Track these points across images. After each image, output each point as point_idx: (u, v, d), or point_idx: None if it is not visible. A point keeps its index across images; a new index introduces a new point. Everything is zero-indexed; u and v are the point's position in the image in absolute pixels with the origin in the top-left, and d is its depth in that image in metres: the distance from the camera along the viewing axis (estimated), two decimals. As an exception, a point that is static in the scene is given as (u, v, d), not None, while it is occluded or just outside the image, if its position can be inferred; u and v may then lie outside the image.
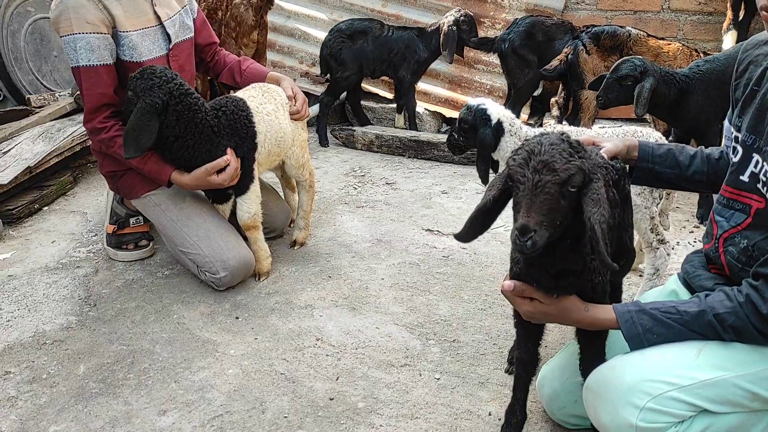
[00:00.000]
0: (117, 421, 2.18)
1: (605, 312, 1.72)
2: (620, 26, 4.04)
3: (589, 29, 4.08)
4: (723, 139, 2.07)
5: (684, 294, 1.98)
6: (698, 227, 3.60)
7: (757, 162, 1.79)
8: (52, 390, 2.33)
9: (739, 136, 1.86)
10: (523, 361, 1.95)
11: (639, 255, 2.97)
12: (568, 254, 1.60)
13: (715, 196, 1.96)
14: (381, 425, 2.14)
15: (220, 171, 2.75)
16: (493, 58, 4.95)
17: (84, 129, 3.96)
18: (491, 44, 4.44)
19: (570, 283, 1.67)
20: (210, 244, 2.85)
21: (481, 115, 2.45)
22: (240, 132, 2.78)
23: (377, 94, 5.29)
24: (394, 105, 5.07)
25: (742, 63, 1.92)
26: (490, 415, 2.18)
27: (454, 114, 5.03)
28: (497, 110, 2.46)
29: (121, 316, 2.76)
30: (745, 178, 1.83)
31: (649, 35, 4.02)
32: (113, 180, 3.03)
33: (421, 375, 2.39)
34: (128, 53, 2.77)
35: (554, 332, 2.62)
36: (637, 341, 1.69)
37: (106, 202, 3.36)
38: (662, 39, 4.03)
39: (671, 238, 3.31)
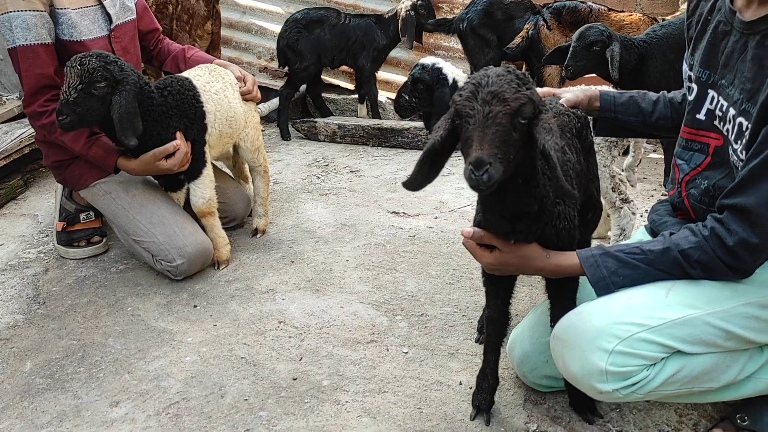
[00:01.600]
0: (65, 416, 2.04)
1: (568, 258, 1.64)
2: (581, 1, 4.01)
3: (550, 5, 4.04)
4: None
5: (652, 244, 1.91)
6: (666, 195, 3.56)
7: (713, 98, 1.73)
8: (-4, 389, 2.18)
9: (692, 74, 1.81)
10: (493, 320, 1.86)
11: (607, 221, 2.92)
12: (520, 195, 1.52)
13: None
14: (347, 401, 2.04)
15: (169, 156, 2.63)
16: (454, 43, 4.91)
17: (33, 131, 3.86)
18: (449, 25, 4.39)
19: (526, 227, 1.58)
20: (165, 231, 2.73)
21: (438, 74, 2.38)
22: (188, 113, 2.66)
23: (338, 86, 5.20)
24: (356, 95, 4.99)
25: (692, 0, 1.87)
26: (460, 384, 2.09)
27: (417, 102, 4.96)
28: (452, 69, 2.40)
29: (72, 312, 2.61)
30: (701, 116, 1.78)
31: (610, 9, 3.99)
32: (59, 171, 2.89)
33: (388, 350, 2.29)
34: (67, 32, 2.64)
35: (525, 300, 2.54)
36: (603, 285, 1.61)
37: (55, 200, 3.21)
38: (623, 12, 4.00)
39: (639, 206, 3.27)
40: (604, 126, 2.07)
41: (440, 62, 2.41)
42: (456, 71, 2.48)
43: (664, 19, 3.74)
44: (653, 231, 1.93)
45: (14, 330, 2.51)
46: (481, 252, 1.68)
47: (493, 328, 1.86)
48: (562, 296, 1.76)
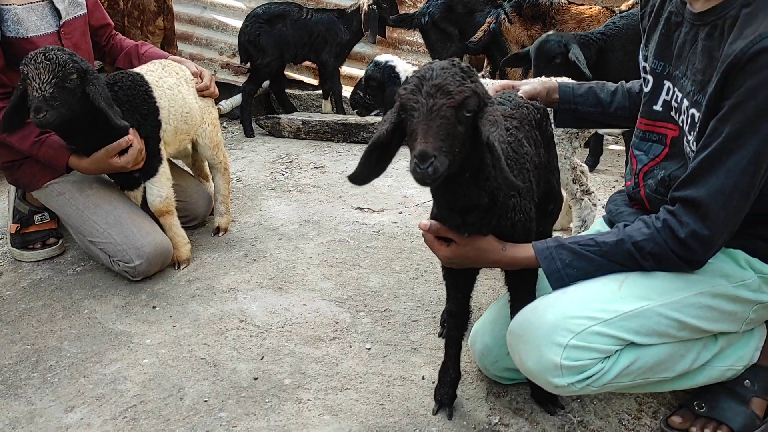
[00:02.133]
0: (18, 422, 1.98)
1: (524, 250, 1.64)
2: (542, -5, 4.03)
3: (512, -1, 4.06)
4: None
5: (609, 235, 1.92)
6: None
7: (669, 89, 1.74)
8: (-56, 397, 2.10)
9: (647, 65, 1.82)
10: (453, 314, 1.85)
11: (569, 213, 2.93)
12: (469, 188, 1.51)
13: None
14: (309, 399, 2.01)
15: (122, 153, 2.56)
16: (417, 38, 4.90)
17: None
18: (411, 20, 4.37)
19: (478, 219, 1.57)
20: (122, 231, 2.66)
21: (390, 72, 2.37)
22: (140, 108, 2.60)
23: (302, 82, 5.16)
24: (320, 91, 4.95)
25: None
26: (423, 379, 2.08)
27: (382, 97, 4.94)
28: (405, 67, 2.39)
29: (26, 316, 2.54)
30: (658, 107, 1.79)
31: (570, 2, 4.02)
32: (11, 172, 2.80)
33: (351, 347, 2.27)
34: (13, 29, 2.56)
35: (488, 294, 2.55)
36: (558, 277, 1.61)
37: (8, 201, 3.12)
38: (582, 5, 4.03)
39: (600, 197, 3.29)
40: (564, 118, 2.08)
41: (394, 60, 2.40)
42: (410, 69, 2.47)
43: (622, 11, 3.77)
44: (611, 221, 1.94)
45: (-35, 336, 2.43)
46: (438, 245, 1.66)
47: (454, 321, 1.86)
48: (520, 289, 1.76)
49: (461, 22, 4.27)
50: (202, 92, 2.95)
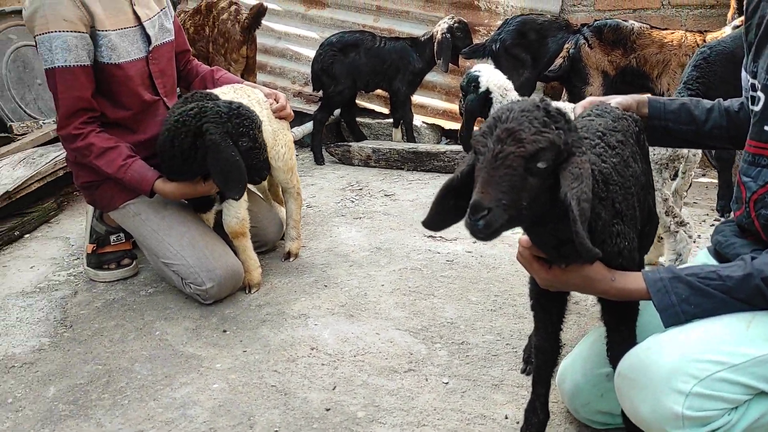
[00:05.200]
0: (87, 445, 1.94)
1: (634, 281, 1.48)
2: (623, 20, 3.89)
3: (591, 24, 3.93)
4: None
5: (717, 267, 1.74)
6: (719, 220, 3.37)
7: None
8: (17, 414, 2.09)
9: (756, 82, 1.65)
10: (542, 350, 1.70)
11: (657, 247, 2.74)
12: (557, 230, 1.35)
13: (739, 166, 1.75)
14: (383, 435, 1.89)
15: (205, 177, 2.56)
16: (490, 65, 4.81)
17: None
18: (483, 49, 4.29)
19: (572, 250, 1.42)
20: (195, 254, 2.64)
21: (473, 81, 2.29)
22: None
23: (373, 110, 5.13)
24: (391, 120, 4.91)
25: (751, 2, 1.73)
26: (506, 418, 1.93)
27: (453, 125, 4.86)
28: (490, 78, 2.29)
29: (99, 336, 2.53)
30: None
31: (652, 27, 3.86)
32: (90, 191, 2.83)
33: (427, 380, 2.15)
34: (107, 54, 2.60)
35: (573, 329, 2.38)
36: (672, 313, 1.44)
37: (86, 221, 3.16)
38: (665, 29, 3.87)
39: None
40: (653, 135, 1.92)
41: (482, 69, 2.32)
42: (496, 81, 2.36)
43: (706, 33, 3.59)
44: (718, 253, 1.76)
45: (39, 353, 2.43)
46: (538, 266, 1.51)
47: (543, 358, 1.71)
48: (620, 324, 1.59)
49: (533, 48, 4.16)
50: (278, 114, 2.93)
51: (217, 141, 2.41)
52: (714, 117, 1.86)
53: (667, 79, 3.74)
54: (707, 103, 1.89)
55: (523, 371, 2.14)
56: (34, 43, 4.58)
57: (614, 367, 1.58)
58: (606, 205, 1.43)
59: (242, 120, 2.47)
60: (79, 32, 2.54)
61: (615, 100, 1.77)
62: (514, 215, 1.22)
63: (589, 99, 1.87)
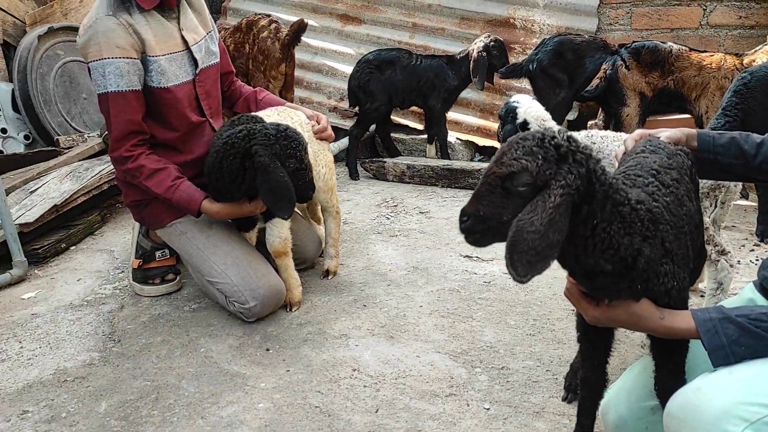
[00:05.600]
0: (139, 461, 2.00)
1: (683, 320, 1.49)
2: (662, 41, 3.88)
3: (629, 45, 3.93)
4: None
5: (763, 303, 1.75)
6: (759, 245, 3.35)
7: None
8: (71, 429, 2.16)
9: None
10: (588, 382, 1.72)
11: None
12: (577, 258, 1.39)
13: None
14: (427, 460, 1.93)
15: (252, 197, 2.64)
16: (525, 84, 4.83)
17: (112, 167, 3.96)
18: (520, 69, 4.31)
19: (609, 284, 1.44)
20: (239, 273, 2.71)
21: (510, 111, 2.33)
22: None
23: (407, 126, 5.18)
24: (425, 136, 4.95)
25: None
26: (549, 447, 1.95)
27: (487, 142, 4.89)
28: (528, 110, 2.33)
29: (146, 351, 2.61)
30: None
31: (691, 49, 3.85)
32: (138, 210, 2.92)
33: (468, 405, 2.18)
34: (156, 79, 2.68)
35: (614, 358, 2.37)
36: (722, 354, 1.45)
37: (132, 237, 3.26)
38: (704, 52, 3.85)
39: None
40: (702, 167, 1.93)
41: (520, 100, 2.37)
42: (534, 113, 2.40)
43: (743, 56, 3.57)
44: (765, 289, 1.77)
45: (90, 368, 2.51)
46: (586, 303, 1.54)
47: (589, 390, 1.73)
48: (669, 359, 1.61)
49: (570, 68, 4.16)
50: (319, 135, 3.00)
51: (266, 162, 2.48)
52: (764, 152, 1.86)
53: (705, 101, 3.73)
54: (756, 137, 1.90)
55: (564, 399, 2.16)
56: (80, 59, 4.73)
57: (661, 401, 1.59)
58: (653, 244, 1.45)
59: (290, 142, 2.54)
60: (131, 58, 2.63)
61: (664, 135, 1.79)
62: (495, 227, 1.34)
63: (638, 132, 1.88)
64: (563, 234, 1.27)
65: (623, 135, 2.46)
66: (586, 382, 1.73)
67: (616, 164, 1.75)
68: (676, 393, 1.50)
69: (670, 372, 1.59)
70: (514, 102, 2.40)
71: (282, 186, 2.50)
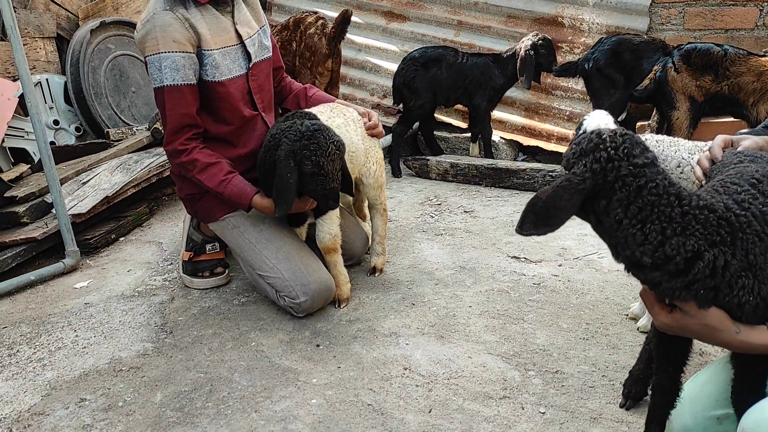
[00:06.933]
0: (195, 453, 2.02)
1: (760, 335, 1.44)
2: (717, 44, 3.78)
3: (682, 46, 3.84)
4: None
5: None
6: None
7: None
8: (128, 418, 2.20)
9: None
10: (662, 390, 1.68)
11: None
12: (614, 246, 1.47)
13: None
14: (484, 463, 1.91)
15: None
16: (572, 84, 4.77)
17: (160, 160, 4.02)
18: (575, 68, 4.24)
19: (657, 279, 1.41)
20: (290, 267, 2.72)
21: (580, 125, 2.30)
22: None
23: (450, 124, 5.15)
24: (468, 134, 4.91)
25: None
26: (608, 454, 1.92)
27: (531, 142, 4.84)
28: (590, 122, 2.30)
29: (198, 344, 2.63)
30: None
31: (749, 53, 3.73)
32: (191, 203, 2.95)
33: (523, 408, 2.15)
34: (210, 72, 2.70)
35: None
36: None
37: (183, 230, 3.29)
38: (763, 56, 3.74)
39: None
40: None
41: (591, 117, 2.34)
42: (594, 124, 2.37)
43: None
44: None
45: (144, 359, 2.54)
46: (659, 308, 1.50)
47: (661, 397, 1.68)
48: (752, 372, 1.55)
49: (627, 68, 4.08)
50: (370, 131, 3.00)
51: (281, 157, 2.48)
52: None
53: (764, 106, 3.62)
54: None
55: (622, 406, 2.11)
56: (130, 53, 4.80)
57: (736, 411, 1.55)
58: (729, 252, 1.40)
59: (309, 143, 2.49)
60: (187, 53, 2.65)
61: (745, 143, 1.74)
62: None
63: (721, 138, 1.83)
64: (566, 212, 1.42)
65: (680, 140, 2.40)
66: (659, 389, 1.69)
67: (698, 172, 1.71)
68: (752, 408, 1.45)
69: (751, 385, 1.53)
70: (584, 118, 2.39)
71: (281, 184, 2.49)
